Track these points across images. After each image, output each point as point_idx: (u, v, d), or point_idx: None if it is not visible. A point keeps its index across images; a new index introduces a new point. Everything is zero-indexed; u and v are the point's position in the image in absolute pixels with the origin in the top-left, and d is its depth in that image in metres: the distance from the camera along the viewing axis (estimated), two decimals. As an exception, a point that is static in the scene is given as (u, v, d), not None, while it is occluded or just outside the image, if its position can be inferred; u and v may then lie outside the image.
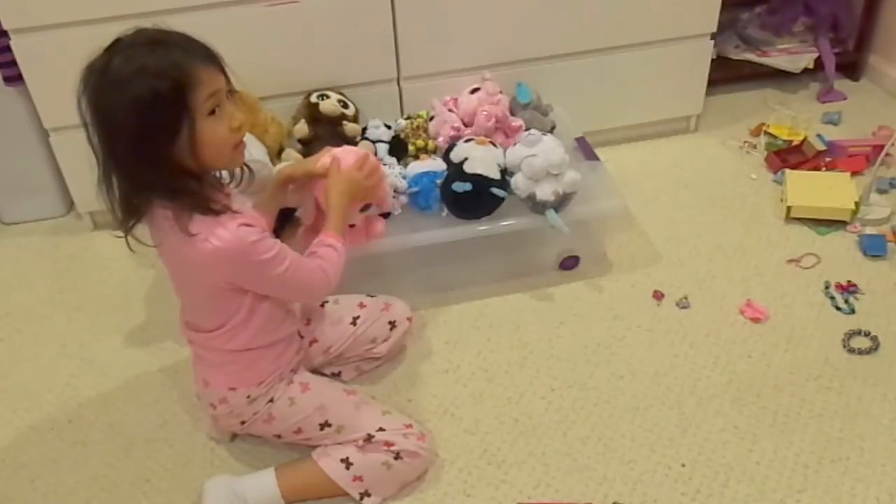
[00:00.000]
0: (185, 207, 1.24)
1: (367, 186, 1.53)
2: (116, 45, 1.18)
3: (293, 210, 1.76)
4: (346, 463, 1.40)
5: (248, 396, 1.42)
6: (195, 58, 1.19)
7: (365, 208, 1.63)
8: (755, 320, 1.77)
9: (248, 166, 1.39)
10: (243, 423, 1.45)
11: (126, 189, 1.23)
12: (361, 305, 1.63)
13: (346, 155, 1.52)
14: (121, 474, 1.51)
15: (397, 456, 1.40)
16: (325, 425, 1.43)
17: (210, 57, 1.22)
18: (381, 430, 1.42)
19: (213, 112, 1.21)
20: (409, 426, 1.46)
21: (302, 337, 1.56)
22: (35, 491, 1.49)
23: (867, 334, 1.71)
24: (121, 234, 1.28)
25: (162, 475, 1.51)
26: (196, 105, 1.19)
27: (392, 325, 1.64)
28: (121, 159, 1.20)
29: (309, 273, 1.38)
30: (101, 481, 1.50)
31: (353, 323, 1.61)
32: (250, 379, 1.41)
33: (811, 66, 2.53)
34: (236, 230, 1.25)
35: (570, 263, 1.92)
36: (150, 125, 1.17)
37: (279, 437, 1.48)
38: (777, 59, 2.53)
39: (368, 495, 1.41)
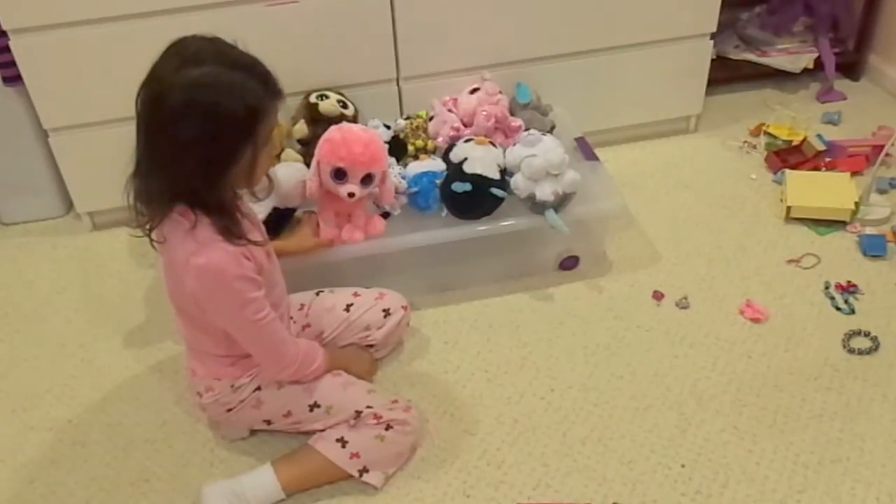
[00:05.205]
0: (213, 222, 1.25)
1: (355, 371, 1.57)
2: (197, 56, 1.18)
3: (293, 210, 1.76)
4: (342, 442, 1.42)
5: (233, 385, 1.43)
6: (272, 93, 1.24)
7: (366, 179, 1.64)
8: (755, 320, 1.77)
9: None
10: (230, 410, 1.46)
11: (165, 193, 1.23)
12: (356, 294, 1.65)
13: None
14: (120, 475, 1.51)
15: (388, 427, 1.43)
16: (314, 406, 1.44)
17: (279, 93, 1.25)
18: (368, 407, 1.44)
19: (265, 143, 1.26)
20: (395, 401, 1.49)
21: (294, 322, 1.58)
22: (34, 491, 1.49)
23: (867, 334, 1.71)
24: (138, 233, 1.29)
25: (161, 475, 1.51)
26: (261, 138, 1.23)
27: (386, 312, 1.64)
28: (172, 164, 1.20)
29: (283, 339, 1.39)
30: (100, 481, 1.50)
31: (347, 309, 1.62)
32: (235, 372, 1.43)
33: (811, 66, 2.53)
34: (234, 255, 1.26)
35: (569, 263, 1.92)
36: (219, 145, 1.20)
37: (269, 422, 1.48)
38: (777, 59, 2.53)
39: (367, 471, 1.43)
